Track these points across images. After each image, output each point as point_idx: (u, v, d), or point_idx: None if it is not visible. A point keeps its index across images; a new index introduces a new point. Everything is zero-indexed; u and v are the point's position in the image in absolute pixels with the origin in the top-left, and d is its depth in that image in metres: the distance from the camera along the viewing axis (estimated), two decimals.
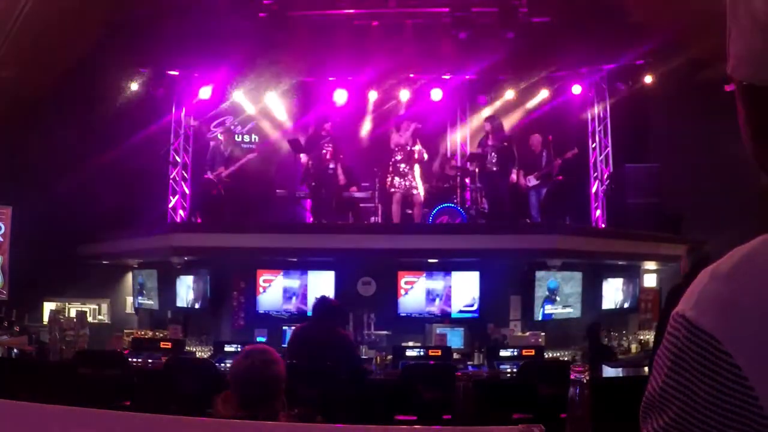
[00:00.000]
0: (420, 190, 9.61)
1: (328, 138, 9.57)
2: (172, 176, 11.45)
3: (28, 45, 8.13)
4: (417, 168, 9.64)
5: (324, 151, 9.49)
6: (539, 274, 8.39)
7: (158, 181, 11.15)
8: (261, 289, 8.55)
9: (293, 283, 8.53)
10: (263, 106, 11.31)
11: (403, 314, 8.34)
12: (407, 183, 9.46)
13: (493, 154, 9.68)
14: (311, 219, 9.86)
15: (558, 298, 8.57)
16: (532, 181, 10.17)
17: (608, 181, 11.13)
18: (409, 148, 9.51)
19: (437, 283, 8.45)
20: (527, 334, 7.79)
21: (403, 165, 9.48)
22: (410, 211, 9.61)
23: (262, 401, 2.73)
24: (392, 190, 9.51)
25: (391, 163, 9.58)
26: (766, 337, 0.71)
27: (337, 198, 9.64)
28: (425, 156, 9.73)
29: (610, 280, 9.30)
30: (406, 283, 8.45)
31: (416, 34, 10.37)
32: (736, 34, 0.82)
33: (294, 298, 8.49)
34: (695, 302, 0.77)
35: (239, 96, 11.08)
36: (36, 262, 9.12)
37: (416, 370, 6.18)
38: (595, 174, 11.40)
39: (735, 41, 0.82)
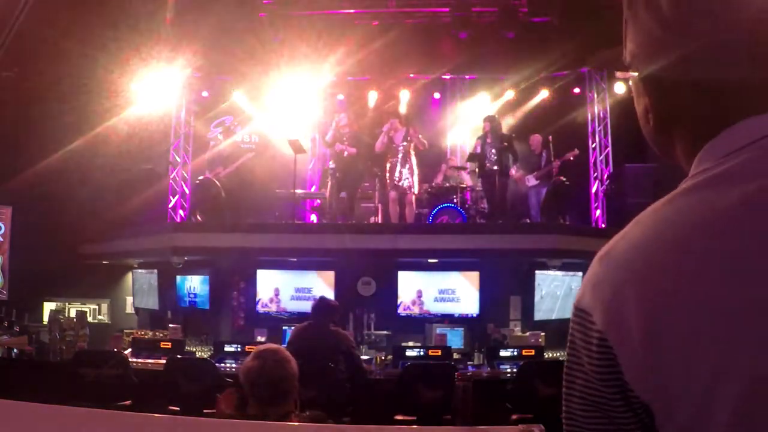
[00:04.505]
0: (415, 189, 9.43)
1: (347, 132, 9.52)
2: (172, 176, 11.44)
3: (28, 44, 8.12)
4: (414, 162, 9.41)
5: (343, 150, 9.42)
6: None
7: (158, 181, 11.15)
8: (261, 289, 8.55)
9: (293, 283, 8.53)
10: (263, 106, 11.31)
11: (403, 314, 8.34)
12: (402, 183, 9.36)
13: (492, 153, 9.66)
14: (331, 220, 9.74)
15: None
16: (532, 181, 10.17)
17: (608, 181, 11.12)
18: (398, 146, 9.36)
19: (437, 283, 8.45)
20: (527, 334, 7.78)
21: (398, 167, 9.37)
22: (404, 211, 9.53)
23: (275, 401, 2.72)
24: (389, 190, 9.45)
25: (388, 166, 9.49)
26: (620, 303, 0.76)
27: (357, 198, 9.59)
28: (425, 143, 9.48)
29: None
30: (406, 283, 8.45)
31: (416, 34, 10.36)
32: (637, 27, 0.83)
33: (294, 298, 8.49)
34: (581, 288, 0.84)
35: (239, 96, 11.08)
36: (36, 262, 9.13)
37: (416, 370, 6.17)
38: (595, 174, 11.38)
39: (635, 34, 0.83)
